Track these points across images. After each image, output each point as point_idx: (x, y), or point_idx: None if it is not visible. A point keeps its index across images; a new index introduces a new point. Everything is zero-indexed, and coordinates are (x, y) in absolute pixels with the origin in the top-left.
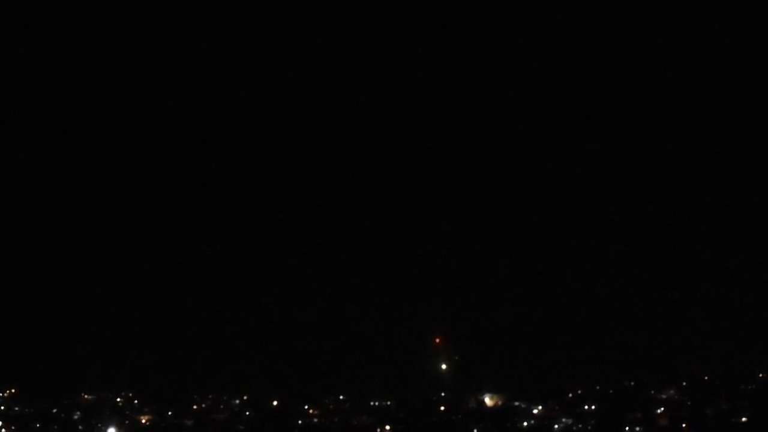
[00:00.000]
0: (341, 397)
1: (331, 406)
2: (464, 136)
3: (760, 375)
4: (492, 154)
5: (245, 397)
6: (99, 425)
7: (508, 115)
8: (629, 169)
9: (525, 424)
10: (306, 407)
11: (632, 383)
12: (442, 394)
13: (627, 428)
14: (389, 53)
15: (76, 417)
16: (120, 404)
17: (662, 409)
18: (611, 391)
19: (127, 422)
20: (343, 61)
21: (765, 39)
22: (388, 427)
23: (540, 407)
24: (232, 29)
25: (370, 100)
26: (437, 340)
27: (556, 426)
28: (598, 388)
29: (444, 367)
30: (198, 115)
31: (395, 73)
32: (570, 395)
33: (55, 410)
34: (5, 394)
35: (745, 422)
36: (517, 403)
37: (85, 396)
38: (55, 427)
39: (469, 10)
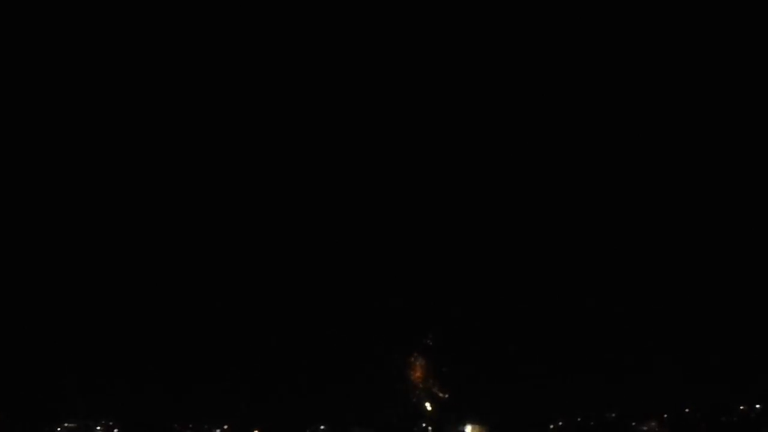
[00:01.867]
0: (322, 426)
1: None
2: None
3: (741, 407)
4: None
5: (226, 427)
6: None
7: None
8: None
9: None
10: None
11: (613, 415)
12: (423, 425)
13: None
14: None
15: None
16: None
17: None
18: (592, 423)
19: None
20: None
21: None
22: None
23: None
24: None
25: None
26: (418, 374)
27: None
28: (579, 419)
29: (426, 395)
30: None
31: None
32: (551, 426)
33: None
34: None
35: None
36: None
37: (66, 425)
38: None
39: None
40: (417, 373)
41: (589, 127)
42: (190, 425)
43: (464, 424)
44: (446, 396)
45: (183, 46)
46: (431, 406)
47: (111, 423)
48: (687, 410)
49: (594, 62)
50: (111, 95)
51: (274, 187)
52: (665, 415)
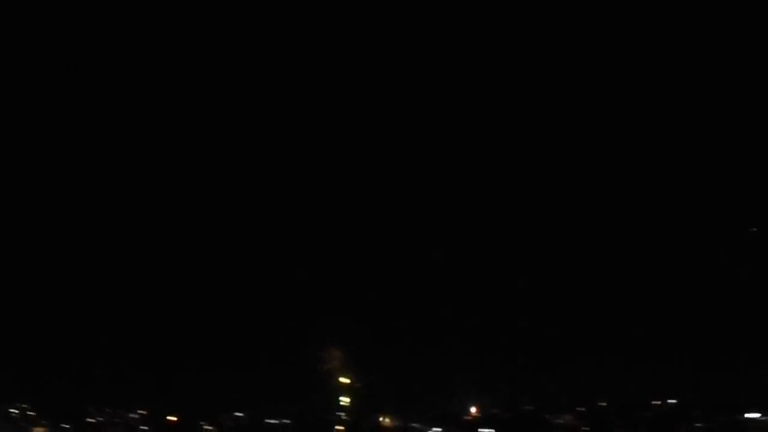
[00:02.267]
0: (238, 414)
1: (229, 423)
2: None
3: (656, 402)
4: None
5: (142, 412)
6: None
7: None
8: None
9: None
10: (202, 423)
11: (530, 408)
12: (340, 414)
13: None
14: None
15: None
16: (15, 416)
17: None
18: (508, 415)
19: None
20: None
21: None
22: None
23: (437, 429)
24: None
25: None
26: (333, 364)
27: None
28: (495, 411)
29: (342, 385)
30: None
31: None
32: (468, 418)
33: None
34: None
35: None
36: (414, 425)
37: None
38: None
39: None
40: (333, 363)
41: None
42: (107, 409)
43: (380, 414)
44: (362, 386)
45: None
46: (347, 396)
47: (25, 406)
48: (602, 404)
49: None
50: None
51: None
52: (580, 409)
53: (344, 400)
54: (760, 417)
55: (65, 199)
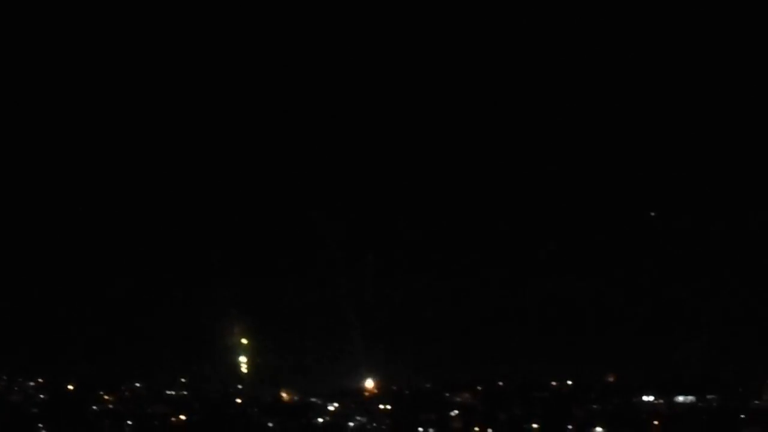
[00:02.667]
0: (137, 384)
1: (127, 393)
2: None
3: (553, 383)
4: None
5: (40, 380)
6: None
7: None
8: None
9: (320, 420)
10: (101, 393)
11: (428, 385)
12: (239, 387)
13: (421, 429)
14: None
15: None
16: None
17: (456, 411)
18: (407, 392)
19: None
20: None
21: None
22: (183, 417)
23: (336, 404)
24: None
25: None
26: (234, 336)
27: (351, 424)
28: (394, 388)
29: (242, 358)
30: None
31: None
32: (366, 394)
33: None
34: None
35: (536, 428)
36: (313, 399)
37: None
38: None
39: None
40: (231, 337)
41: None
42: (3, 377)
43: (280, 388)
44: (260, 360)
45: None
46: (246, 367)
47: None
48: (500, 383)
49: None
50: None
51: None
52: (479, 387)
53: (242, 370)
54: (654, 400)
55: None
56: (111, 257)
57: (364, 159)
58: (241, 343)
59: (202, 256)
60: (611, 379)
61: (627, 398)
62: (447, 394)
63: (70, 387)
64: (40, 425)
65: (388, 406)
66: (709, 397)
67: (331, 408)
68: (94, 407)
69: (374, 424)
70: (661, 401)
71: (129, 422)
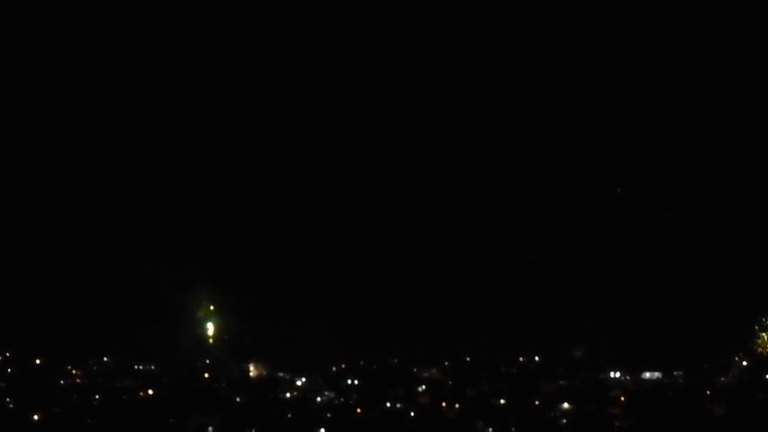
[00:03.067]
0: (105, 359)
1: (95, 368)
2: None
3: (521, 359)
4: None
5: (7, 354)
6: None
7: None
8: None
9: (288, 395)
10: (69, 367)
11: (395, 360)
12: (207, 362)
13: (388, 404)
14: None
15: None
16: None
17: (424, 387)
18: (374, 367)
19: None
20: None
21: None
22: (150, 392)
23: (303, 379)
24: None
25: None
26: (202, 312)
27: (318, 398)
28: (361, 363)
29: (210, 333)
30: None
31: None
32: (334, 369)
33: None
34: None
35: (504, 404)
36: (281, 374)
37: None
38: None
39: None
40: (201, 311)
41: None
42: None
43: (248, 363)
44: (229, 334)
45: None
46: (214, 342)
47: None
48: (468, 359)
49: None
50: None
51: None
52: (446, 363)
53: (211, 349)
54: (621, 376)
55: None
56: (79, 234)
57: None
58: (210, 319)
59: (171, 232)
60: (578, 355)
61: (594, 374)
62: (414, 370)
63: (38, 361)
64: (7, 399)
65: (356, 381)
66: (675, 373)
67: (298, 383)
68: (62, 381)
69: (342, 399)
70: (628, 377)
71: (97, 396)
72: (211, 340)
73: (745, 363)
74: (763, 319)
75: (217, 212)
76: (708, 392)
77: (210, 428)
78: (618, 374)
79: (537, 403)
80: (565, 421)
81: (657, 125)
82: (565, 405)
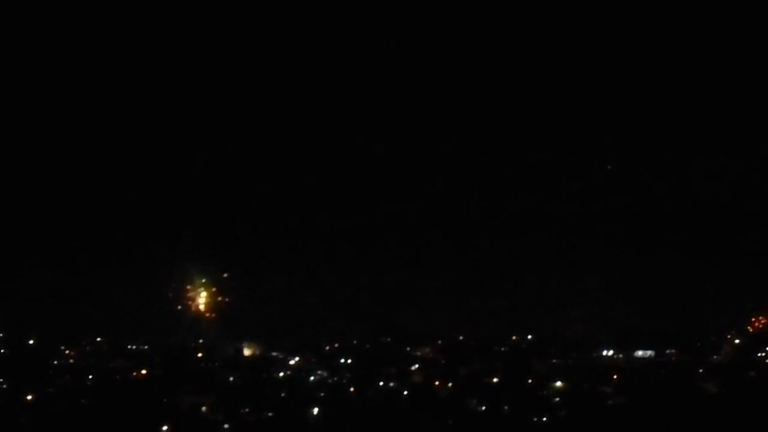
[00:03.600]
0: (98, 338)
1: (88, 348)
2: None
3: (513, 337)
4: None
5: (0, 334)
6: None
7: None
8: None
9: (281, 374)
10: (62, 347)
11: (388, 339)
12: (200, 341)
13: (381, 383)
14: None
15: None
16: None
17: (417, 365)
18: (367, 346)
19: None
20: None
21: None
22: (144, 371)
23: (296, 358)
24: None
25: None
26: (196, 291)
27: (311, 378)
28: (354, 342)
29: (203, 312)
30: None
31: None
32: (327, 348)
33: None
34: None
35: (496, 382)
36: (274, 354)
37: None
38: None
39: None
40: (195, 290)
41: None
42: None
43: (241, 342)
44: (222, 313)
45: None
46: (208, 322)
47: None
48: (461, 338)
49: None
50: None
51: None
52: (439, 342)
53: (204, 328)
54: (614, 354)
55: None
56: (72, 212)
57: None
58: (203, 298)
59: (165, 210)
60: (570, 334)
61: (586, 352)
62: (408, 349)
63: (31, 341)
64: (0, 380)
65: (349, 360)
66: (667, 351)
67: (291, 362)
68: (55, 361)
69: (335, 378)
70: (620, 356)
71: (90, 376)
72: (203, 320)
73: (737, 341)
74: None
75: (209, 188)
76: (700, 370)
77: (203, 408)
78: (611, 352)
79: (530, 381)
80: (557, 399)
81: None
82: (558, 383)
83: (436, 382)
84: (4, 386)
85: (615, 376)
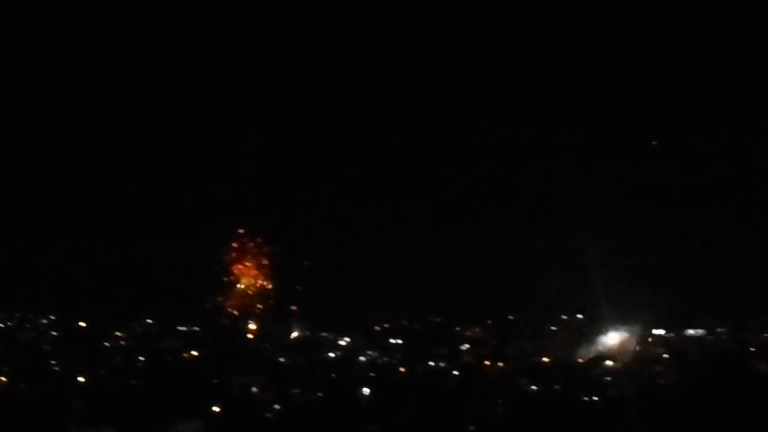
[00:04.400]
0: (148, 320)
1: (139, 330)
2: None
3: (563, 317)
4: None
5: (51, 317)
6: None
7: None
8: None
9: (331, 355)
10: (112, 329)
11: (438, 319)
12: (250, 322)
13: (431, 363)
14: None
15: None
16: None
17: (467, 345)
18: (417, 326)
19: None
20: None
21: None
22: (195, 353)
23: (346, 339)
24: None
25: None
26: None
27: (361, 358)
28: (405, 322)
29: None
30: None
31: None
32: (376, 328)
33: None
34: None
35: (546, 362)
36: (323, 334)
37: None
38: None
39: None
40: (244, 270)
41: None
42: (16, 314)
43: (290, 322)
44: (274, 294)
45: None
46: (258, 302)
47: None
48: (510, 317)
49: None
50: None
51: None
52: (489, 321)
53: (254, 309)
54: (665, 333)
55: None
56: (121, 193)
57: None
58: (252, 278)
59: (217, 191)
60: (620, 313)
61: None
62: (458, 328)
63: (82, 324)
64: (53, 362)
65: (399, 341)
66: (719, 330)
67: (341, 343)
68: (106, 344)
69: (385, 359)
70: (672, 334)
71: (141, 358)
72: (253, 300)
73: None
74: None
75: (262, 167)
76: (752, 349)
77: (254, 388)
78: (662, 331)
79: (580, 360)
80: (608, 378)
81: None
82: (608, 362)
83: (486, 362)
84: (57, 369)
85: (666, 356)
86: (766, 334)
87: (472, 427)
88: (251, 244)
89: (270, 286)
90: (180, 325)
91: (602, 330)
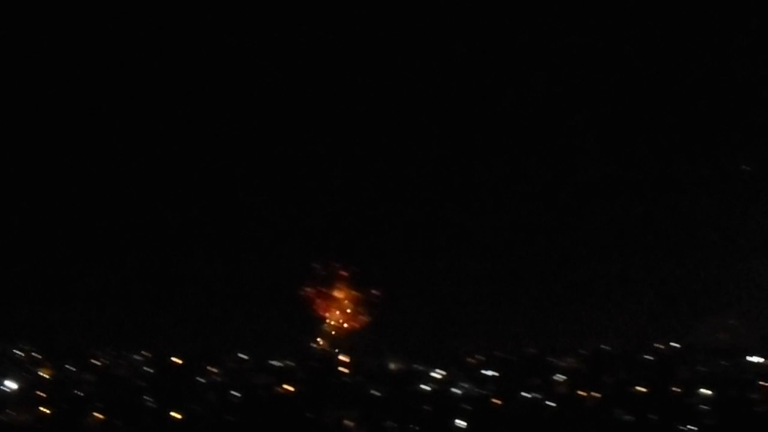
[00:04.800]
0: (242, 355)
1: (231, 364)
2: None
3: (657, 346)
4: None
5: (145, 353)
6: None
7: None
8: None
9: (426, 388)
10: (206, 364)
11: (532, 350)
12: (343, 356)
13: (526, 394)
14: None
15: None
16: (20, 357)
17: (561, 376)
18: (511, 357)
19: (25, 375)
20: None
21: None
22: (289, 387)
23: (441, 372)
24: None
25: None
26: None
27: (456, 390)
28: (498, 354)
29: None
30: None
31: None
32: (470, 360)
33: None
34: None
35: (642, 391)
36: (417, 367)
37: None
38: None
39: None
40: (339, 305)
41: None
42: (111, 351)
43: (384, 356)
44: (368, 328)
45: None
46: (352, 336)
47: (29, 347)
48: (604, 348)
49: None
50: None
51: None
52: (583, 352)
53: (346, 343)
54: (764, 361)
55: None
56: (217, 233)
57: None
58: (347, 312)
59: (312, 227)
60: (716, 341)
61: (733, 359)
62: (551, 359)
63: (176, 359)
64: (147, 397)
65: (493, 372)
66: None
67: (435, 375)
68: (200, 379)
69: (480, 391)
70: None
71: (235, 393)
72: (346, 334)
73: None
74: None
75: (351, 203)
76: None
77: (348, 422)
78: (757, 359)
79: (676, 389)
80: (705, 407)
81: None
82: (705, 391)
83: (581, 392)
84: (151, 404)
85: (763, 383)
86: None
87: None
88: (344, 279)
89: (363, 320)
90: (273, 360)
91: (696, 358)
